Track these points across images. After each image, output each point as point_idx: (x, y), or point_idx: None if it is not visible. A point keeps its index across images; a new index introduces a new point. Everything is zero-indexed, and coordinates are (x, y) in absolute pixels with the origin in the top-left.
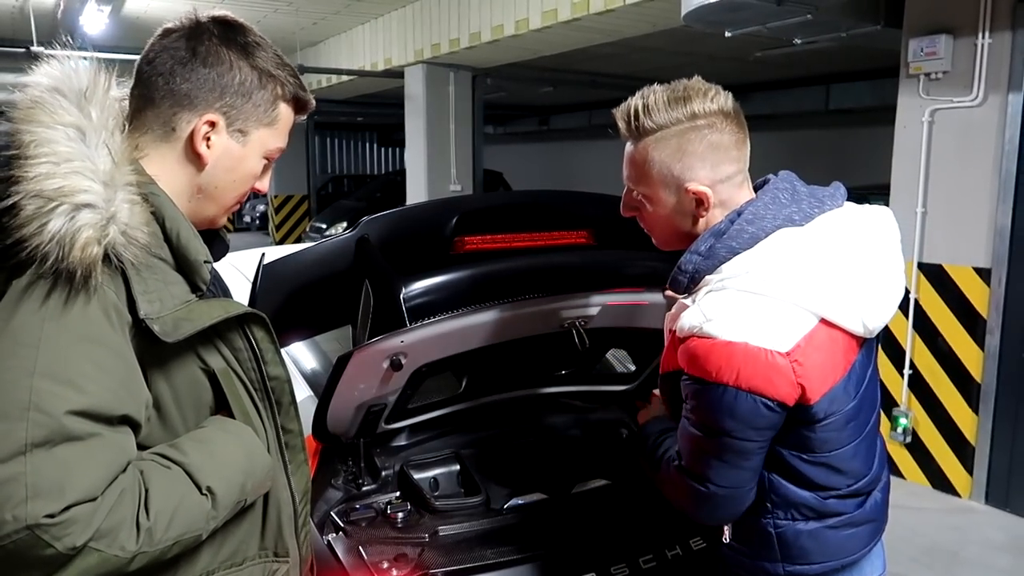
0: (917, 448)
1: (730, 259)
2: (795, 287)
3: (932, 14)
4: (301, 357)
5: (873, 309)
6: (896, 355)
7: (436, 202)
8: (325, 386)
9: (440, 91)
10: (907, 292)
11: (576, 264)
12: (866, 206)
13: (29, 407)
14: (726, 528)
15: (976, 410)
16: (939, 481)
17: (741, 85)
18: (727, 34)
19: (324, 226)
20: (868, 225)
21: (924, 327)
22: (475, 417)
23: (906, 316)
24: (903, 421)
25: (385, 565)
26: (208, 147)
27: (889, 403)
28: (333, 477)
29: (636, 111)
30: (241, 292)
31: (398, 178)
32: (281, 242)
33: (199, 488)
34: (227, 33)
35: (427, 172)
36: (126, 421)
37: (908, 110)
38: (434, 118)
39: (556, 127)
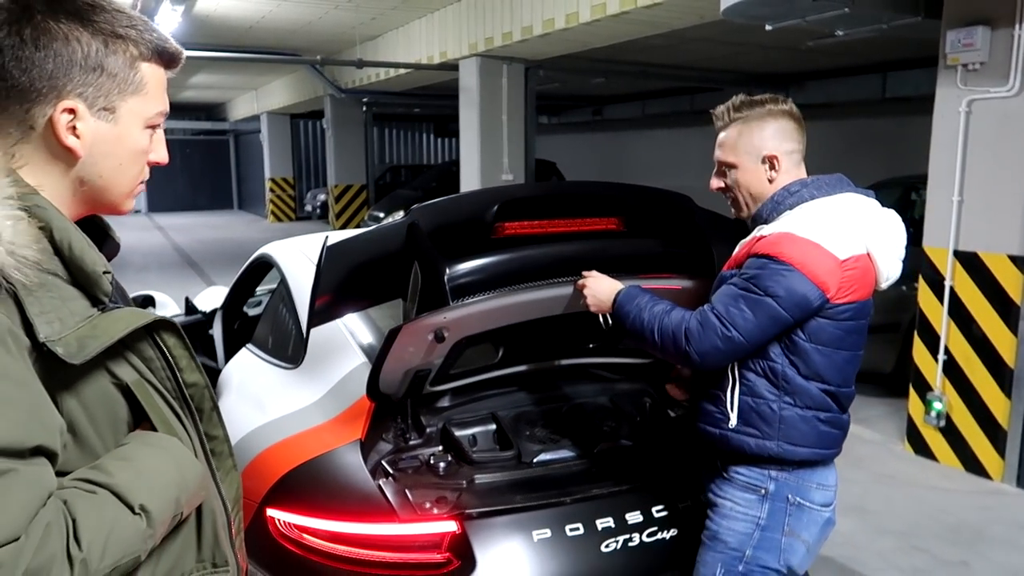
0: (951, 432)
1: (803, 204)
2: (855, 221)
3: (970, 5)
4: (356, 329)
5: (893, 268)
6: (931, 341)
7: (479, 191)
8: (377, 353)
9: (493, 83)
10: (942, 279)
11: (607, 251)
12: (887, 209)
13: None
14: (732, 414)
15: (1009, 395)
16: (972, 464)
17: (796, 74)
18: (768, 27)
19: (382, 215)
20: (893, 217)
21: (959, 313)
22: (511, 384)
23: (941, 302)
24: (937, 405)
25: (427, 505)
26: (77, 137)
27: (924, 388)
28: (384, 432)
29: (728, 107)
30: (308, 274)
31: (453, 168)
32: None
33: (131, 508)
34: (53, 3)
35: (480, 162)
36: (40, 452)
37: (946, 100)
38: (487, 109)
39: (610, 117)
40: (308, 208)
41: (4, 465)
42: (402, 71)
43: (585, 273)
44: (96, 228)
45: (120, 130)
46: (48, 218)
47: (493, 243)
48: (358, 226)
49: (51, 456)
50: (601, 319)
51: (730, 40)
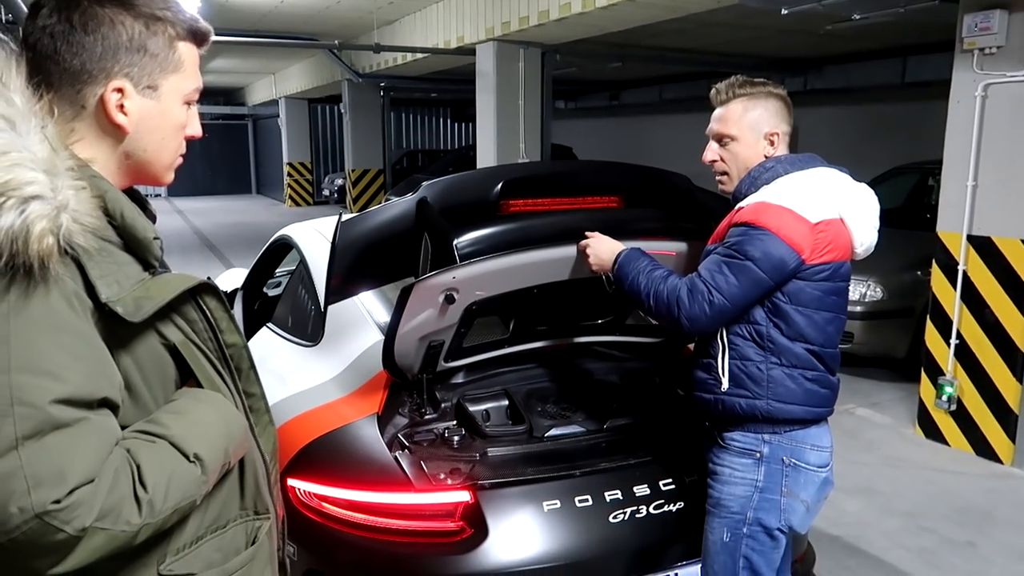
0: (962, 416)
1: (784, 176)
2: (828, 191)
3: None
4: (372, 308)
5: (866, 236)
6: (943, 325)
7: (486, 170)
8: (391, 317)
9: (510, 68)
10: (955, 264)
11: (611, 221)
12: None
13: (13, 402)
14: (724, 379)
15: (1020, 379)
16: (982, 448)
17: (814, 58)
18: (783, 11)
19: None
20: (868, 191)
21: (971, 298)
22: (523, 361)
23: (954, 287)
24: (948, 389)
25: (442, 476)
26: (124, 114)
27: (935, 372)
28: (400, 407)
29: (732, 83)
30: (326, 255)
31: (470, 153)
32: None
33: (187, 456)
34: None
35: (496, 147)
36: (106, 404)
37: (962, 85)
38: (504, 94)
39: (627, 102)
40: (325, 192)
41: (78, 414)
42: (419, 56)
43: (588, 234)
44: (135, 201)
45: (163, 106)
46: (102, 188)
47: (498, 220)
48: None
49: (114, 408)
50: (605, 281)
51: (747, 24)
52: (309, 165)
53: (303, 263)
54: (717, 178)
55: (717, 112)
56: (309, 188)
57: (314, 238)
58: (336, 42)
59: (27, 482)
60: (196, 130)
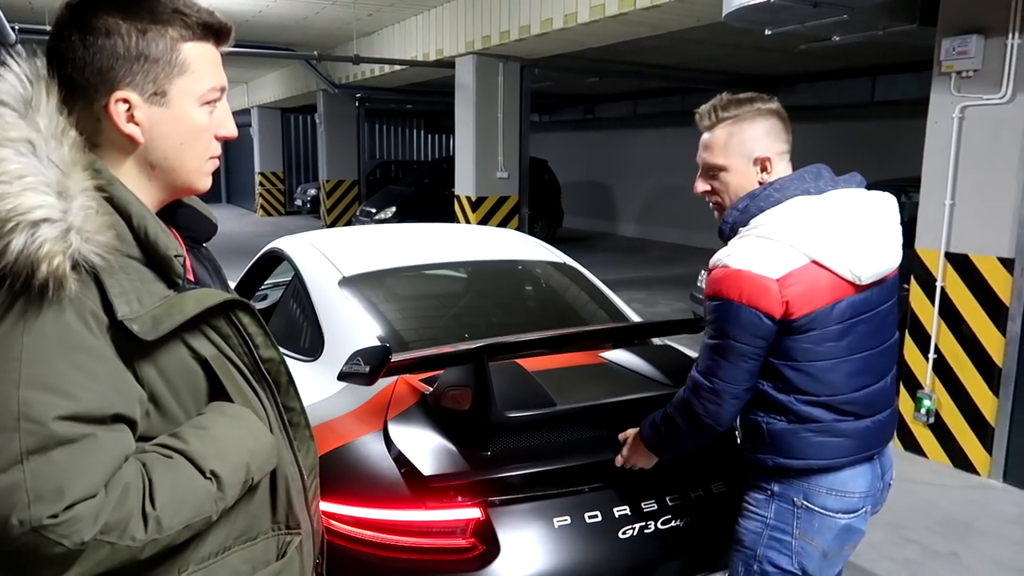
0: (940, 429)
1: (757, 215)
2: (794, 234)
3: (965, 14)
4: (373, 324)
5: (862, 262)
6: (922, 340)
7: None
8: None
9: (489, 81)
10: (934, 280)
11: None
12: (874, 191)
13: (19, 417)
14: (737, 433)
15: (996, 393)
16: (960, 460)
17: (787, 76)
18: (767, 32)
19: (374, 210)
20: (871, 202)
21: (949, 313)
22: None
23: (932, 303)
24: (927, 403)
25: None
26: (136, 124)
27: (914, 385)
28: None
29: (715, 106)
30: (323, 269)
31: (445, 165)
32: (331, 226)
33: (203, 473)
34: (97, 2)
35: (475, 159)
36: (119, 419)
37: (940, 107)
38: (483, 107)
39: (601, 116)
40: (298, 203)
41: (84, 430)
42: (397, 67)
43: (618, 457)
44: (195, 212)
45: (174, 111)
46: (127, 205)
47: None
48: (349, 221)
49: (131, 423)
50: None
51: (725, 42)
52: (281, 175)
53: (298, 277)
54: (712, 206)
55: (703, 138)
56: (281, 198)
57: (309, 252)
58: (315, 53)
59: (28, 496)
60: (229, 130)
